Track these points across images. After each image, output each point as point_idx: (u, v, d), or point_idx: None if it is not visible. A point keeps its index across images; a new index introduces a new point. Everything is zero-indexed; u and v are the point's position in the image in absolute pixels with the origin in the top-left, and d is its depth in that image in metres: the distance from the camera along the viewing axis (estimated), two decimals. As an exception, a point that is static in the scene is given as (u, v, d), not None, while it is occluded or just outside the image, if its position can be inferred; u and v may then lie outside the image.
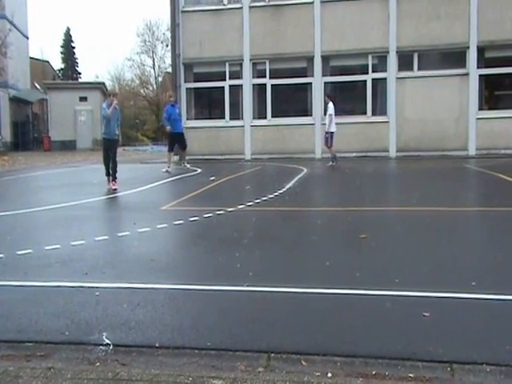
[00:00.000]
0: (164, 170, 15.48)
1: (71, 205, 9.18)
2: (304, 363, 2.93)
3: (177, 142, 16.59)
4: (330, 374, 2.79)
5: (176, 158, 17.07)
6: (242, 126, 21.93)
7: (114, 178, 11.47)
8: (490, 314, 3.63)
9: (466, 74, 20.12)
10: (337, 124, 16.67)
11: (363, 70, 21.01)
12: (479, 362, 2.88)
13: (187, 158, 17.66)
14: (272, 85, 21.73)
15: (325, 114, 16.96)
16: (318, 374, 2.80)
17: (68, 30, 73.03)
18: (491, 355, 2.95)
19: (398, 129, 20.73)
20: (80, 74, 74.49)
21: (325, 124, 17.00)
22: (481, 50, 20.07)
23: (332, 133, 16.49)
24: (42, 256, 5.39)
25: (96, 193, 10.70)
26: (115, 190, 11.08)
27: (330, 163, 16.58)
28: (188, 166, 16.65)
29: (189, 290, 4.26)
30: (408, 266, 4.85)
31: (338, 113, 16.79)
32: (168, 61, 59.39)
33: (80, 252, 5.59)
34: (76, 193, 10.67)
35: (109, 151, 11.76)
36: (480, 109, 20.42)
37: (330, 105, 16.47)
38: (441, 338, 3.18)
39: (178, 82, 22.42)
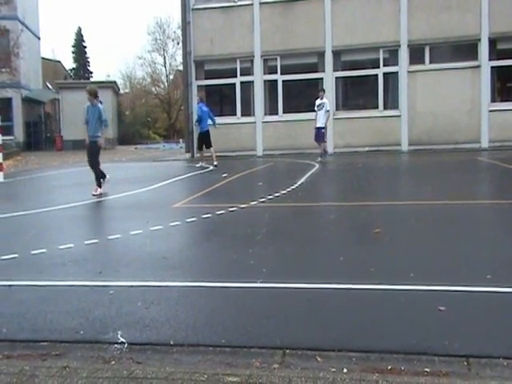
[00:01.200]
0: (198, 165, 16.40)
1: (84, 204, 9.24)
2: (319, 359, 2.91)
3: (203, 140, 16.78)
4: (345, 370, 2.77)
5: (207, 154, 16.86)
6: (254, 123, 21.91)
7: (98, 183, 10.53)
8: (505, 307, 3.59)
9: (478, 66, 19.94)
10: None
11: (374, 64, 20.89)
12: (496, 355, 2.85)
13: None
14: (283, 81, 21.69)
15: (318, 108, 16.77)
16: (333, 369, 2.78)
17: (79, 29, 73.35)
18: (508, 349, 2.91)
19: (409, 122, 20.60)
20: (91, 73, 74.86)
21: (315, 119, 16.94)
22: (492, 42, 19.89)
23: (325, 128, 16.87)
24: (55, 255, 5.41)
25: (108, 191, 10.71)
26: (95, 195, 10.14)
27: (319, 158, 16.66)
28: (202, 164, 16.50)
29: (202, 287, 4.26)
30: (422, 260, 4.81)
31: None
32: (179, 58, 59.47)
33: (93, 251, 5.62)
34: (88, 192, 10.66)
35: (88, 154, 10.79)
36: (492, 101, 20.25)
37: (326, 100, 16.70)
38: (457, 332, 3.15)
39: (189, 79, 22.45)
